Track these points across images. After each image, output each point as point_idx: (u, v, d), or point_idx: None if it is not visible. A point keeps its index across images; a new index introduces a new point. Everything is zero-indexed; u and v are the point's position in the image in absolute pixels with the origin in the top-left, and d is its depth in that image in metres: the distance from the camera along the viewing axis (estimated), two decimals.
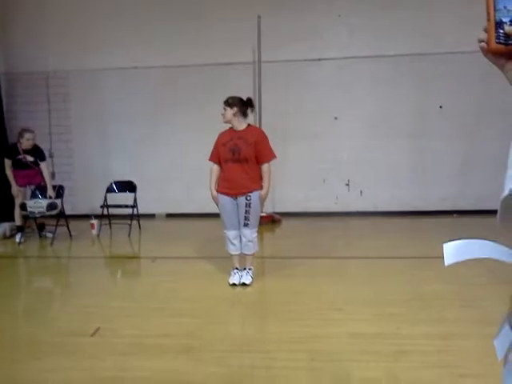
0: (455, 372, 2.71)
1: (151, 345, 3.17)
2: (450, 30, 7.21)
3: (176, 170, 8.06)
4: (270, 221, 7.31)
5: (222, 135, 4.45)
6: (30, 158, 6.53)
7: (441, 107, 7.58)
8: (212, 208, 4.67)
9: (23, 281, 5.38)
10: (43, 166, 6.62)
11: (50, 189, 6.55)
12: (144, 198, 7.24)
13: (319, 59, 7.70)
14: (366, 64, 7.63)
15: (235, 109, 4.31)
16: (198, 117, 7.66)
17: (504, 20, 0.90)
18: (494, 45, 0.91)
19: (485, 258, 0.94)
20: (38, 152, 6.62)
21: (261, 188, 4.35)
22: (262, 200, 4.41)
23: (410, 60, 7.51)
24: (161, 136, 8.05)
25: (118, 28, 7.89)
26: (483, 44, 0.93)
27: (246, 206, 4.29)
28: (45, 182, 6.60)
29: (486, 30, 0.92)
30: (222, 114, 4.35)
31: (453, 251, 0.98)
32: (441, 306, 3.75)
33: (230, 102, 4.33)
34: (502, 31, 0.90)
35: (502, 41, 0.90)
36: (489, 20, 0.91)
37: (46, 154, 6.86)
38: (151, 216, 8.06)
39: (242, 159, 4.26)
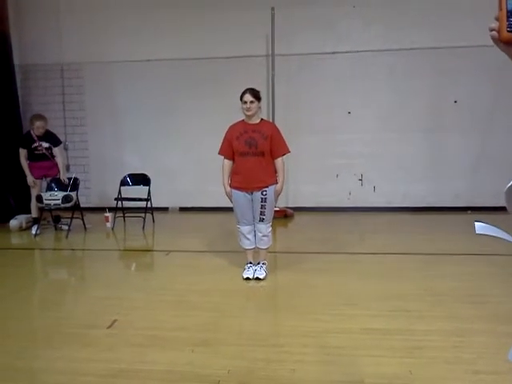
0: (469, 368, 2.71)
1: (167, 337, 3.21)
2: (466, 23, 7.11)
3: (189, 164, 8.09)
4: (283, 215, 7.31)
5: (232, 128, 4.35)
6: (45, 145, 6.56)
7: (456, 102, 7.52)
8: (225, 202, 4.68)
9: (39, 273, 5.42)
10: (57, 150, 6.64)
11: (63, 173, 6.61)
12: (157, 191, 7.27)
13: (333, 53, 7.66)
14: (380, 57, 7.56)
15: (260, 103, 4.30)
16: (211, 110, 7.68)
17: None
18: (505, 33, 0.91)
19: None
20: (51, 137, 6.64)
21: (276, 182, 4.34)
22: (277, 194, 4.40)
23: (426, 54, 7.43)
24: (174, 129, 8.08)
25: (132, 21, 7.91)
26: (494, 33, 0.93)
27: (261, 201, 4.28)
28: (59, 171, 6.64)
29: (497, 19, 0.92)
30: (247, 108, 4.19)
31: (484, 227, 1.19)
32: (455, 302, 3.75)
33: (258, 96, 4.27)
34: None
35: None
36: (501, 9, 0.91)
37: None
38: (164, 209, 8.11)
39: (258, 153, 4.22)
